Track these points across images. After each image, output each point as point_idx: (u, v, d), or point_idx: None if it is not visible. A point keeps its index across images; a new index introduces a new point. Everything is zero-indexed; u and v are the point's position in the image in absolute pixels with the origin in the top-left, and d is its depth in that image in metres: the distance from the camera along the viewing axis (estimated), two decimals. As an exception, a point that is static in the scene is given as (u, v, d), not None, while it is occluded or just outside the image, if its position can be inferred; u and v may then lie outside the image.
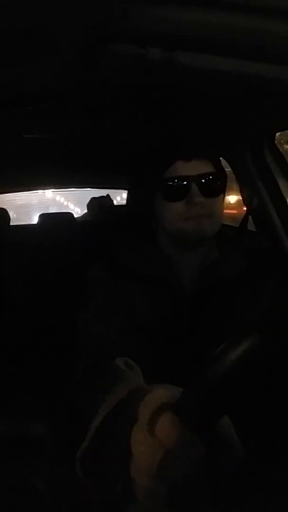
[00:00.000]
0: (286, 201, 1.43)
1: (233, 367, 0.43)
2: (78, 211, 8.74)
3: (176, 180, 0.84)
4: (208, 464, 0.44)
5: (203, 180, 0.84)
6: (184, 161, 0.85)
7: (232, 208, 4.59)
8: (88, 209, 3.45)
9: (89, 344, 0.81)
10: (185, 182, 0.84)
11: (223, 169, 0.91)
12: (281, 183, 1.43)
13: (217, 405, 0.44)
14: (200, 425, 0.44)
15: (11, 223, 2.64)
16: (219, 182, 0.87)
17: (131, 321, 0.85)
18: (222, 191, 0.89)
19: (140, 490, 0.45)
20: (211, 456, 0.44)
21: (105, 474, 0.47)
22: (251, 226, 1.56)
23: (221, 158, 1.52)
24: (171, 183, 0.85)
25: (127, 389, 0.49)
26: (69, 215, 2.58)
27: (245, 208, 1.50)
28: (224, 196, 0.90)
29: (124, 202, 3.81)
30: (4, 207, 2.57)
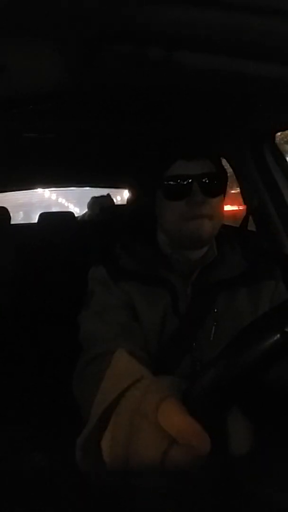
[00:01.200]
0: (286, 201, 1.43)
1: (242, 358, 0.43)
2: (77, 210, 8.85)
3: (177, 179, 0.84)
4: (214, 458, 0.44)
5: (204, 180, 0.84)
6: (185, 160, 0.84)
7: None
8: (88, 208, 3.45)
9: (89, 342, 0.81)
10: (186, 181, 0.83)
11: (224, 169, 0.91)
12: (281, 183, 1.43)
13: (225, 395, 0.43)
14: (207, 416, 0.43)
15: (21, 221, 2.64)
16: (220, 182, 0.87)
17: (131, 320, 0.85)
18: (223, 191, 0.89)
19: (142, 481, 0.44)
20: (218, 449, 0.43)
21: (106, 464, 0.46)
22: (251, 226, 1.56)
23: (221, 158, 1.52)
24: (172, 182, 0.84)
25: (131, 378, 0.48)
26: (69, 214, 2.58)
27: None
28: (224, 196, 0.90)
29: (123, 202, 3.82)
30: (13, 206, 2.57)
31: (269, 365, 0.43)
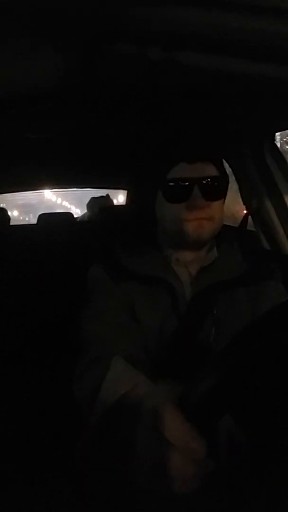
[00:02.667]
0: (286, 202, 1.43)
1: (237, 366, 0.43)
2: (78, 211, 9.07)
3: (179, 182, 0.83)
4: (210, 462, 0.44)
5: (205, 183, 0.83)
6: (188, 163, 0.83)
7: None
8: (88, 209, 3.45)
9: (89, 342, 0.81)
10: (187, 184, 0.83)
11: (225, 172, 0.90)
12: (281, 183, 1.43)
13: (220, 402, 0.44)
14: (203, 422, 0.44)
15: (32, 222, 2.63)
16: (221, 186, 0.87)
17: (131, 321, 0.85)
18: (224, 195, 0.88)
19: (139, 484, 0.44)
20: (213, 454, 0.44)
21: (105, 468, 0.47)
22: (251, 226, 1.56)
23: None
24: (173, 184, 0.84)
25: (130, 384, 0.49)
26: (68, 215, 2.58)
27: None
28: (224, 199, 0.90)
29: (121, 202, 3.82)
30: (23, 207, 2.58)
31: (262, 370, 0.43)
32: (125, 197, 3.19)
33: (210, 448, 0.43)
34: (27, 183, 2.74)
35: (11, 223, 2.71)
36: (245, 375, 0.43)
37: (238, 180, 1.57)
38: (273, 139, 1.47)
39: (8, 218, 2.54)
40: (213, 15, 0.58)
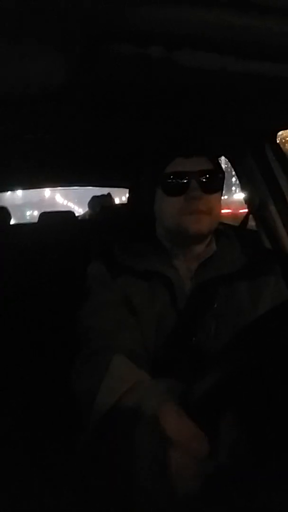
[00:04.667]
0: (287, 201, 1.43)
1: (240, 364, 0.43)
2: (80, 211, 9.25)
3: (176, 176, 0.86)
4: (211, 460, 0.44)
5: (202, 177, 0.85)
6: (184, 158, 0.86)
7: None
8: (89, 208, 3.46)
9: (88, 337, 0.82)
10: (185, 178, 0.85)
11: (220, 167, 0.92)
12: (283, 182, 1.43)
13: (222, 400, 0.44)
14: (205, 420, 0.43)
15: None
16: (217, 179, 0.88)
17: (130, 316, 0.86)
18: (220, 188, 0.90)
19: (140, 483, 0.44)
20: (214, 452, 0.44)
21: (105, 465, 0.47)
22: (251, 225, 1.56)
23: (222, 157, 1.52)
24: (171, 178, 0.86)
25: (131, 381, 0.49)
26: (69, 213, 2.58)
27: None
28: (221, 194, 0.91)
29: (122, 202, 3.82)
30: (37, 205, 2.58)
31: (264, 369, 0.43)
32: (121, 198, 3.20)
33: (211, 447, 0.43)
34: (27, 183, 2.75)
35: (35, 218, 2.72)
36: (248, 372, 0.43)
37: (240, 179, 1.57)
38: (275, 138, 1.46)
39: (8, 218, 2.54)
40: (213, 15, 0.58)
